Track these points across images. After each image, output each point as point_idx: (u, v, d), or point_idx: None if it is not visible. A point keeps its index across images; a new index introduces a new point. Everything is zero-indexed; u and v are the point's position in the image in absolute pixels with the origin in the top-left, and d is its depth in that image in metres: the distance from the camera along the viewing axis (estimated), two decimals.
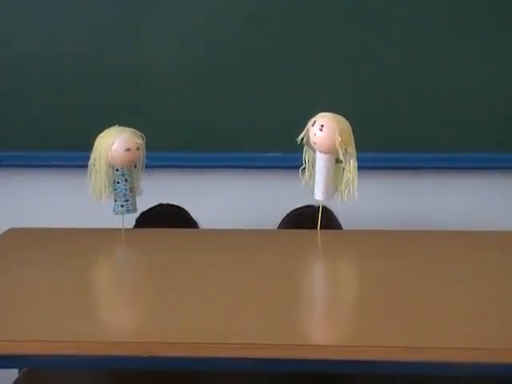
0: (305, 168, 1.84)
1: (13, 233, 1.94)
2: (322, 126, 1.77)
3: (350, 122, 1.79)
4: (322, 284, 1.71)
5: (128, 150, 1.83)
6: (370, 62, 2.35)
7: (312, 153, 1.82)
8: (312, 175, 1.84)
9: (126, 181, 1.85)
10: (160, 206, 2.17)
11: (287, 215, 2.13)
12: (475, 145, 2.37)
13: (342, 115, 1.81)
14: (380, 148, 2.35)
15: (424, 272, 1.63)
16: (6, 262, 1.75)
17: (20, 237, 1.93)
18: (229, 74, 2.38)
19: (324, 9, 2.34)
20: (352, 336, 1.34)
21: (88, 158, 1.85)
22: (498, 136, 2.38)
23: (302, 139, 1.82)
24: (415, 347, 1.28)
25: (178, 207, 2.18)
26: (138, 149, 1.84)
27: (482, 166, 2.39)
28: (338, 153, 1.78)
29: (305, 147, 1.83)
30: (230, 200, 2.44)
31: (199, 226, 2.16)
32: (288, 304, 1.50)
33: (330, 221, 2.00)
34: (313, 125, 1.79)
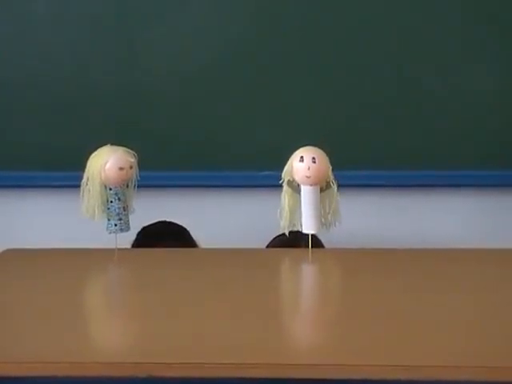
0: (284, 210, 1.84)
1: (8, 254, 1.93)
2: (314, 158, 1.79)
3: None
4: (317, 302, 1.70)
5: (121, 168, 1.83)
6: (364, 78, 2.37)
7: (291, 191, 1.83)
8: (293, 214, 1.84)
9: (119, 200, 1.85)
10: (162, 222, 2.20)
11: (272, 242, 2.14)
12: (463, 162, 2.38)
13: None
14: (368, 166, 2.36)
15: (417, 289, 1.62)
16: (1, 283, 1.74)
17: (15, 258, 1.92)
18: (226, 93, 2.39)
19: (324, 22, 2.35)
20: (347, 354, 1.32)
21: (80, 178, 1.84)
22: (485, 153, 2.39)
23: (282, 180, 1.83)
24: (410, 366, 1.26)
25: (178, 225, 2.20)
26: (131, 167, 1.84)
27: (475, 183, 2.40)
28: (328, 181, 1.81)
29: (284, 188, 1.83)
30: (227, 219, 2.45)
31: (198, 244, 2.17)
32: (285, 323, 1.51)
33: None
34: (301, 160, 1.80)
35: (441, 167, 2.39)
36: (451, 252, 1.94)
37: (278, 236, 2.05)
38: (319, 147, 1.83)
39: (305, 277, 1.87)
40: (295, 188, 1.83)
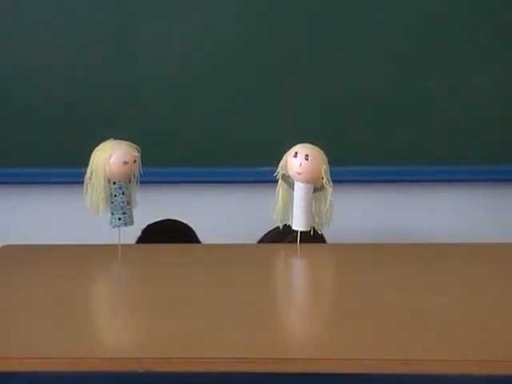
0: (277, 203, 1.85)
1: (6, 250, 1.93)
2: (307, 155, 1.78)
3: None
4: (312, 297, 1.70)
5: (126, 163, 1.82)
6: (364, 74, 2.35)
7: (287, 186, 1.84)
8: (286, 209, 1.84)
9: (123, 194, 1.85)
10: (168, 220, 2.19)
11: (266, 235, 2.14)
12: (462, 157, 2.37)
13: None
14: (367, 161, 2.35)
15: (409, 284, 1.63)
16: (0, 279, 1.74)
17: (13, 254, 1.91)
18: (225, 90, 2.38)
19: (320, 22, 2.34)
20: (340, 349, 1.33)
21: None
22: (484, 148, 2.37)
23: (277, 173, 1.84)
24: (408, 360, 1.27)
25: (184, 224, 2.19)
26: (134, 162, 1.84)
27: (470, 178, 2.39)
28: (322, 181, 1.80)
29: (279, 182, 1.84)
30: (227, 215, 2.44)
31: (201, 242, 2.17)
32: (282, 318, 1.52)
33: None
34: (295, 156, 1.80)
35: (439, 162, 2.37)
36: (447, 246, 1.93)
37: (272, 230, 2.05)
38: (318, 142, 1.82)
39: (300, 273, 1.87)
40: (290, 183, 1.83)
